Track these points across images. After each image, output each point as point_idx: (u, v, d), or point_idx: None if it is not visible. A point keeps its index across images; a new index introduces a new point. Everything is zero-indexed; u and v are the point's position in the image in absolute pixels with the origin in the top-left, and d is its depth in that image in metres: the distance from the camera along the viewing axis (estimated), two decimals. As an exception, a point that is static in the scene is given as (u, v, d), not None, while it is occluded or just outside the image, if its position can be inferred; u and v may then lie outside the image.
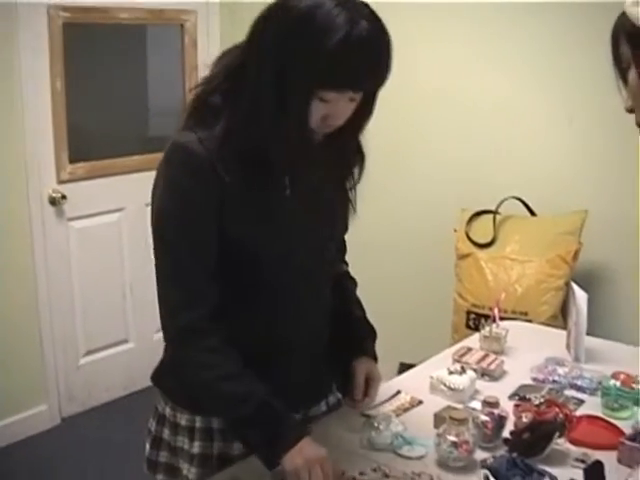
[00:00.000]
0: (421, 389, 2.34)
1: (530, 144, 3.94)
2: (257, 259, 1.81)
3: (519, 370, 2.49)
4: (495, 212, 3.85)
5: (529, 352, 2.62)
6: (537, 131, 3.91)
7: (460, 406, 2.17)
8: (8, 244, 4.07)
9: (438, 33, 4.15)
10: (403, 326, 4.46)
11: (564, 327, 2.83)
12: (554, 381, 2.40)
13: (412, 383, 2.41)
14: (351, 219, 2.07)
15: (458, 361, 2.46)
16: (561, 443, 1.99)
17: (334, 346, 2.10)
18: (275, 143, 1.71)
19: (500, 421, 2.02)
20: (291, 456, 1.75)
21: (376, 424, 2.02)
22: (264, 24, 1.71)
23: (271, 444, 1.78)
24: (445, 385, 2.29)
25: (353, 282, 2.23)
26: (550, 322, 3.45)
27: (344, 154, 1.91)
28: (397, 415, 2.16)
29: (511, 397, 2.29)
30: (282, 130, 1.69)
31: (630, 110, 1.41)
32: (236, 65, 1.76)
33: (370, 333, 2.17)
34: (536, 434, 1.95)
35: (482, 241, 3.82)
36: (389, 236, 4.50)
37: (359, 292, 2.24)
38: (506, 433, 2.02)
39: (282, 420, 1.79)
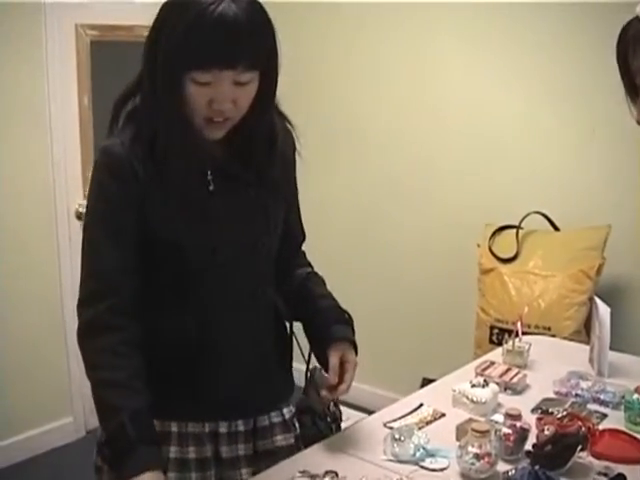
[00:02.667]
0: (444, 402, 2.35)
1: (554, 159, 3.94)
2: (182, 256, 1.82)
3: (542, 384, 2.49)
4: (518, 227, 3.85)
5: (552, 366, 2.62)
6: (560, 146, 3.92)
7: (482, 419, 2.18)
8: (35, 259, 4.11)
9: (467, 49, 4.16)
10: (426, 341, 4.47)
11: (587, 342, 2.83)
12: (577, 395, 2.40)
13: (435, 396, 2.42)
14: (305, 223, 2.10)
15: (481, 374, 2.46)
16: (584, 456, 1.99)
17: (288, 354, 2.09)
18: (161, 133, 1.75)
19: (522, 433, 2.02)
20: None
21: (399, 436, 2.03)
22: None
23: (119, 467, 1.72)
24: (467, 398, 2.30)
25: (317, 280, 2.16)
26: (574, 337, 3.44)
27: (251, 145, 1.87)
28: (420, 427, 2.16)
29: (534, 410, 2.29)
30: (164, 118, 1.73)
31: None
32: None
33: (340, 317, 2.09)
34: (559, 447, 1.94)
35: (505, 256, 3.83)
36: (412, 251, 4.50)
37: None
38: (528, 446, 2.02)
39: (133, 448, 1.69)
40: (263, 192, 1.91)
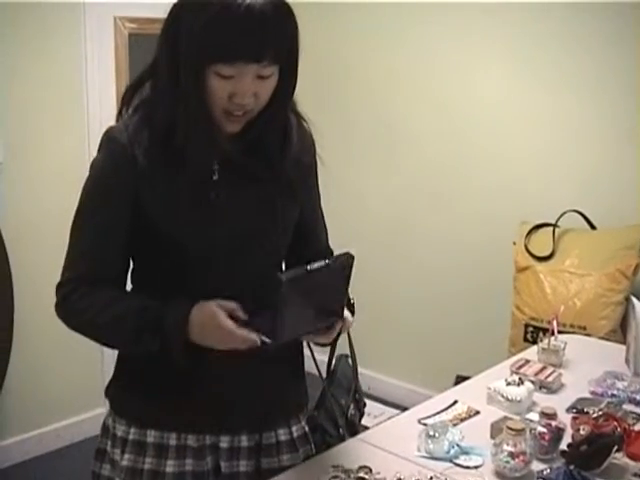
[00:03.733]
0: (478, 399, 2.35)
1: (590, 157, 3.91)
2: (179, 244, 1.78)
3: (577, 383, 2.48)
4: (555, 225, 3.83)
5: (587, 365, 2.61)
6: (597, 144, 3.88)
7: (517, 417, 2.17)
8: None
9: (496, 49, 4.15)
10: (460, 339, 4.46)
11: (623, 342, 2.81)
12: (613, 395, 2.39)
13: (469, 393, 2.42)
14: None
15: (516, 373, 2.46)
16: (619, 457, 1.98)
17: (299, 366, 2.01)
18: (180, 124, 1.72)
19: (557, 433, 2.01)
20: (195, 335, 1.69)
21: (433, 433, 2.03)
22: (170, 9, 1.74)
23: (170, 341, 1.70)
24: (502, 396, 2.29)
25: None
26: (609, 337, 3.42)
27: (264, 140, 1.83)
28: (454, 424, 2.16)
29: (569, 410, 2.28)
30: (184, 110, 1.70)
31: None
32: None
33: None
34: (594, 447, 1.93)
35: (541, 254, 3.81)
36: (448, 249, 4.49)
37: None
38: (563, 445, 2.01)
39: (162, 314, 1.71)
40: (272, 189, 1.86)
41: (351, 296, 1.94)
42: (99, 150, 1.82)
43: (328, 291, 1.71)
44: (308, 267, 1.61)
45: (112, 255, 1.81)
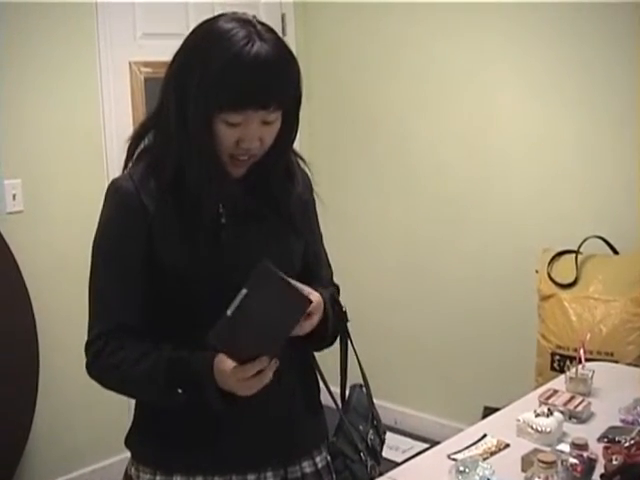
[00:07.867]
0: (507, 432, 2.32)
1: (610, 181, 3.89)
2: (192, 288, 1.78)
3: (607, 412, 2.45)
4: (577, 252, 3.81)
5: (617, 393, 2.58)
6: (616, 168, 3.87)
7: (548, 449, 2.14)
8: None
9: (520, 75, 4.16)
10: (486, 370, 4.43)
11: (652, 368, 2.79)
12: (644, 423, 2.36)
13: (498, 426, 2.40)
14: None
15: (544, 403, 2.43)
16: (653, 486, 1.95)
17: (316, 396, 2.02)
18: (188, 172, 1.74)
19: (590, 464, 1.98)
20: (221, 382, 1.67)
21: (463, 468, 2.01)
22: (174, 56, 1.77)
23: (199, 388, 1.69)
24: (532, 428, 2.27)
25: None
26: (637, 362, 3.38)
27: (271, 180, 1.87)
28: (484, 459, 2.14)
29: (600, 439, 2.25)
30: (194, 157, 1.72)
31: None
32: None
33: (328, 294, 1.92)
34: (627, 477, 1.91)
35: (564, 281, 3.78)
36: (470, 278, 4.48)
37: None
38: (596, 476, 1.98)
39: (189, 364, 1.71)
40: (278, 226, 1.89)
41: (343, 304, 1.98)
42: (105, 202, 1.83)
43: (278, 302, 1.65)
44: (228, 312, 1.59)
45: (134, 304, 1.81)
